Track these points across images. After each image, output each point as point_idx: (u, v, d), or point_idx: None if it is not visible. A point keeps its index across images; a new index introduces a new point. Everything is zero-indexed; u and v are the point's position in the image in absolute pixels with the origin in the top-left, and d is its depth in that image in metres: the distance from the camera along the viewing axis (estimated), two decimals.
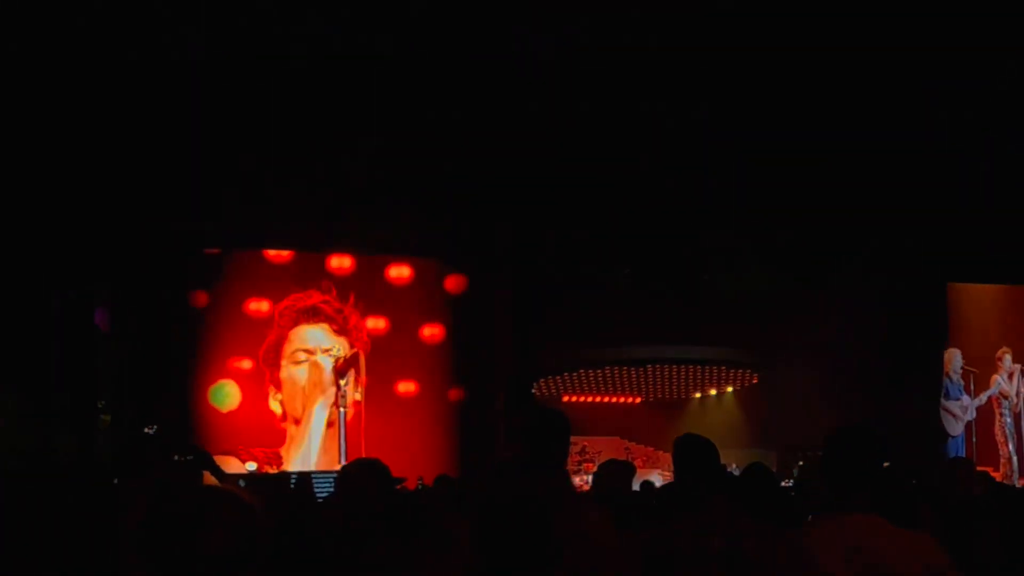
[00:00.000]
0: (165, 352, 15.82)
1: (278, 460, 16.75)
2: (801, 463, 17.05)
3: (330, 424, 17.05)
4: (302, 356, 17.24)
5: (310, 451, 16.89)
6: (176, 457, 6.77)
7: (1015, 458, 18.33)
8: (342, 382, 17.14)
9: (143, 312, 15.62)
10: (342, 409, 17.06)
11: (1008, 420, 18.43)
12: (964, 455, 17.76)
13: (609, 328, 18.63)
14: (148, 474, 6.09)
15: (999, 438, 18.39)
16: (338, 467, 15.88)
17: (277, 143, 14.59)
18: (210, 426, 16.59)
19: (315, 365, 17.10)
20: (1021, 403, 18.57)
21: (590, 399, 24.73)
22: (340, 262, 17.60)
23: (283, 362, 17.17)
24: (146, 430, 14.29)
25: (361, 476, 4.81)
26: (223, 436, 16.58)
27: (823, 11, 12.01)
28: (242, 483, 12.06)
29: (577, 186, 15.95)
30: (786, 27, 12.45)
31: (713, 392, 24.30)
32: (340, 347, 17.24)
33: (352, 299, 17.47)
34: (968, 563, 4.36)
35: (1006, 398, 18.51)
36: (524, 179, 15.71)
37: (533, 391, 21.35)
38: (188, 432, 15.85)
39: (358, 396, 17.41)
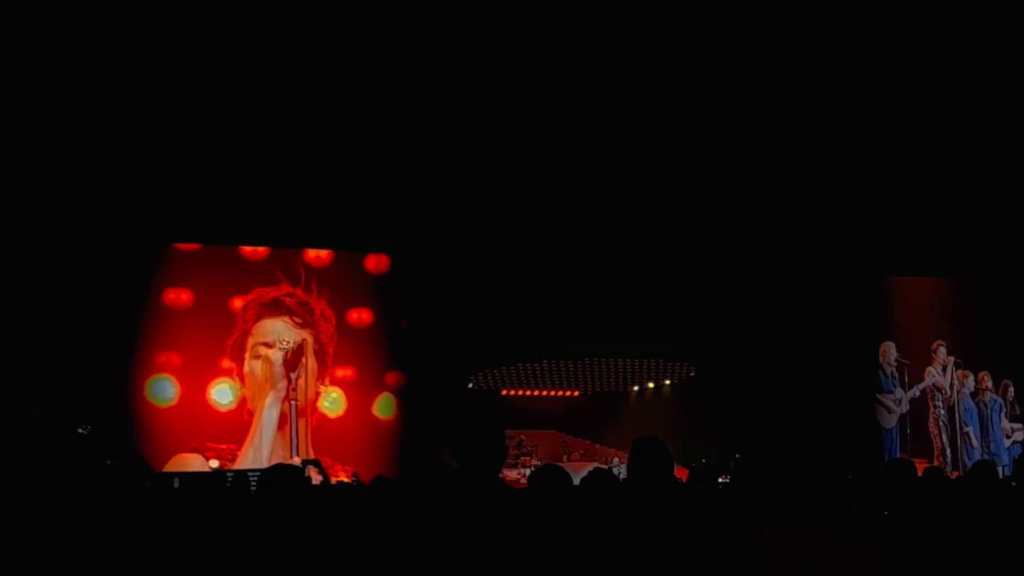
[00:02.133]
0: (106, 347, 15.52)
1: (233, 457, 16.50)
2: (737, 456, 17.05)
3: (283, 418, 16.82)
4: (261, 351, 17.03)
5: (261, 447, 16.56)
6: (109, 462, 6.60)
7: (948, 450, 18.49)
8: (293, 375, 16.91)
9: (85, 306, 15.28)
10: (292, 403, 16.82)
11: (942, 412, 18.58)
12: (898, 447, 17.92)
13: (546, 321, 18.52)
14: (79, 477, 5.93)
15: (933, 431, 18.54)
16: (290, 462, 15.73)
17: (227, 137, 14.48)
18: (178, 422, 16.39)
19: (266, 360, 16.87)
20: (955, 396, 18.73)
21: (528, 393, 24.64)
22: (311, 253, 17.49)
23: (246, 356, 16.95)
24: (80, 430, 13.94)
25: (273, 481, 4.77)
26: (190, 433, 16.40)
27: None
28: (176, 483, 11.80)
29: (517, 177, 15.88)
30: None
31: (651, 385, 24.30)
32: (290, 339, 17.02)
33: (315, 289, 17.30)
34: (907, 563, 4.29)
35: (940, 390, 18.66)
36: (463, 168, 15.63)
37: (470, 385, 21.23)
38: (125, 433, 15.57)
39: (321, 389, 17.25)
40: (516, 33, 12.50)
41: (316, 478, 13.06)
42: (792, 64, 13.41)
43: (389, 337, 17.69)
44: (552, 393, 24.92)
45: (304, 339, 17.03)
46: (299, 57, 13.00)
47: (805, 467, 3.88)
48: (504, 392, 24.16)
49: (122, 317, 15.83)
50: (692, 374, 22.44)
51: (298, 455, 16.39)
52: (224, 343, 16.77)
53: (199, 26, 12.28)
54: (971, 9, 12.09)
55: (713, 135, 15.13)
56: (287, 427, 16.77)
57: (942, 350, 18.70)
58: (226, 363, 16.72)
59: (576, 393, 25.13)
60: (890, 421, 18.34)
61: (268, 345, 16.96)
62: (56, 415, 14.23)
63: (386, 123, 14.41)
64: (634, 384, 24.61)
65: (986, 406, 18.82)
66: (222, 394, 16.70)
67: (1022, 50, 12.90)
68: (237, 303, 16.85)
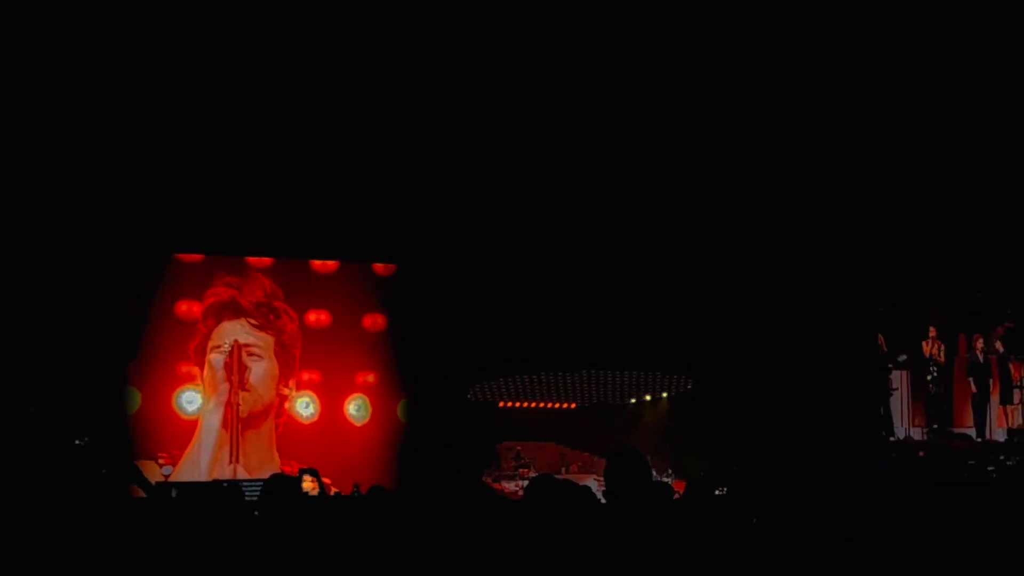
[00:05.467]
0: (101, 358, 15.51)
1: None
2: (736, 468, 17.00)
3: (224, 425, 16.67)
4: (212, 355, 17.01)
5: (200, 455, 16.46)
6: (104, 471, 6.57)
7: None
8: (234, 379, 16.74)
9: (80, 318, 15.27)
10: (235, 406, 16.64)
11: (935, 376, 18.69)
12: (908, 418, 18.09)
13: (544, 333, 18.49)
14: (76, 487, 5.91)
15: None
16: (228, 472, 15.67)
17: (214, 144, 14.46)
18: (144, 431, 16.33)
19: (209, 364, 16.78)
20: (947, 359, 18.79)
21: (525, 404, 24.58)
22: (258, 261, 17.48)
23: (205, 360, 16.89)
24: (77, 441, 13.90)
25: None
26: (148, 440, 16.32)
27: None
28: (174, 493, 11.77)
29: (516, 190, 15.88)
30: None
31: (648, 398, 24.25)
32: (229, 343, 16.87)
33: (270, 289, 17.25)
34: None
35: (934, 359, 18.72)
36: (462, 180, 15.62)
37: (468, 396, 21.17)
38: (122, 442, 15.55)
39: (287, 392, 17.12)
40: (517, 40, 12.50)
41: (312, 489, 12.96)
42: (789, 70, 13.43)
43: (356, 338, 17.69)
44: (550, 405, 24.86)
45: (235, 341, 16.85)
46: (279, 68, 12.98)
47: (803, 478, 3.87)
48: (501, 404, 24.11)
49: (118, 327, 15.85)
50: (689, 387, 22.41)
51: (237, 462, 16.24)
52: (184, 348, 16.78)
53: (197, 36, 12.27)
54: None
55: (717, 152, 15.16)
56: (230, 433, 16.63)
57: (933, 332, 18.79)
58: (184, 368, 16.62)
59: (574, 405, 25.08)
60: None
61: (219, 348, 16.93)
62: (53, 423, 14.19)
63: (382, 131, 14.41)
64: (632, 396, 24.57)
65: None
66: (189, 401, 16.64)
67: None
68: (183, 307, 16.76)
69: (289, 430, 17.06)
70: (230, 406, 16.58)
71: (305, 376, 17.41)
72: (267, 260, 17.36)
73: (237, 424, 16.53)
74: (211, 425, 16.53)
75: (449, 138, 14.60)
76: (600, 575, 4.17)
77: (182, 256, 16.95)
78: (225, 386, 16.63)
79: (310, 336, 17.57)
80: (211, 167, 14.91)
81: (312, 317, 17.55)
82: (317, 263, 17.72)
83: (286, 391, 17.10)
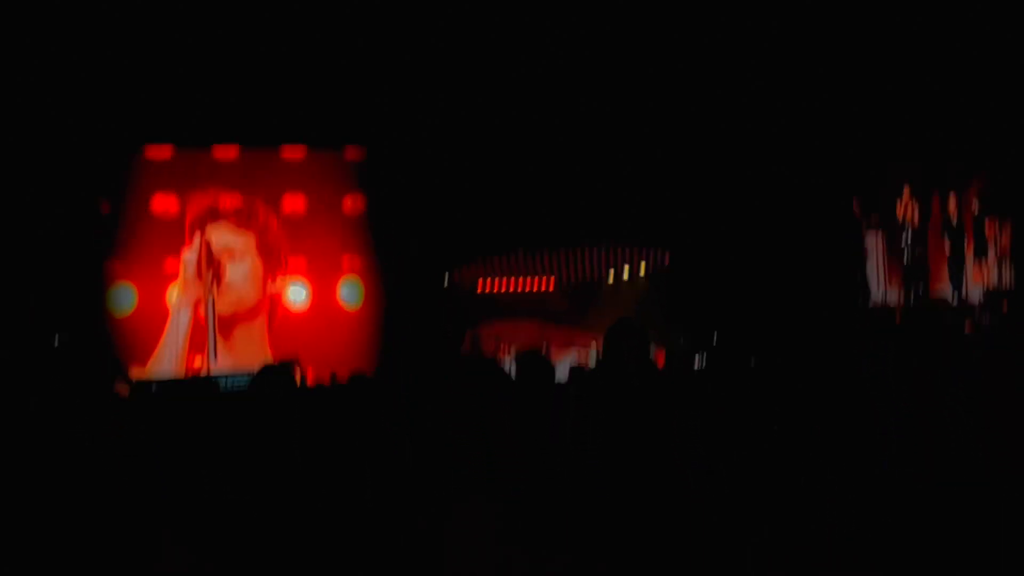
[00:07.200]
0: (76, 257, 15.43)
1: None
2: (714, 336, 17.11)
3: (197, 322, 16.64)
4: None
5: (168, 353, 16.48)
6: (87, 367, 6.56)
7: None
8: (209, 274, 16.68)
9: (52, 215, 15.15)
10: (210, 300, 16.65)
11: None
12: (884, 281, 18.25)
13: (518, 211, 18.43)
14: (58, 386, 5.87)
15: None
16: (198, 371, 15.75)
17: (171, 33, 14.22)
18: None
19: (183, 263, 16.76)
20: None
21: (503, 289, 24.59)
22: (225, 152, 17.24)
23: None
24: (57, 337, 13.91)
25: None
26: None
27: None
28: (154, 388, 11.78)
29: (491, 67, 15.71)
30: None
31: (627, 268, 24.28)
32: (199, 241, 16.80)
33: (247, 186, 17.14)
34: None
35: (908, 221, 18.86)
36: (435, 58, 15.43)
37: (446, 281, 21.16)
38: (102, 340, 15.55)
39: (273, 290, 17.09)
40: None
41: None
42: None
43: (343, 221, 17.57)
44: (527, 288, 24.88)
45: (202, 237, 16.78)
46: None
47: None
48: (479, 289, 24.12)
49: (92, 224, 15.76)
50: (666, 260, 22.43)
51: (216, 361, 16.28)
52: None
53: None
54: None
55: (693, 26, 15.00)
56: (206, 332, 16.63)
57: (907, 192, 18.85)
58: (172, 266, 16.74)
59: (552, 286, 25.12)
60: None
61: (190, 247, 16.93)
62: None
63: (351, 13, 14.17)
64: (609, 268, 24.62)
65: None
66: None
67: None
68: (158, 202, 16.81)
69: (280, 323, 17.06)
70: (201, 303, 16.54)
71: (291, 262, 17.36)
72: (232, 154, 17.11)
73: (214, 321, 16.51)
74: (182, 323, 16.52)
75: (418, 20, 14.37)
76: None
77: (150, 150, 16.69)
78: (197, 282, 16.57)
79: (289, 223, 17.40)
80: (172, 57, 14.65)
81: (287, 204, 17.35)
82: (286, 150, 17.44)
83: (273, 288, 17.08)
